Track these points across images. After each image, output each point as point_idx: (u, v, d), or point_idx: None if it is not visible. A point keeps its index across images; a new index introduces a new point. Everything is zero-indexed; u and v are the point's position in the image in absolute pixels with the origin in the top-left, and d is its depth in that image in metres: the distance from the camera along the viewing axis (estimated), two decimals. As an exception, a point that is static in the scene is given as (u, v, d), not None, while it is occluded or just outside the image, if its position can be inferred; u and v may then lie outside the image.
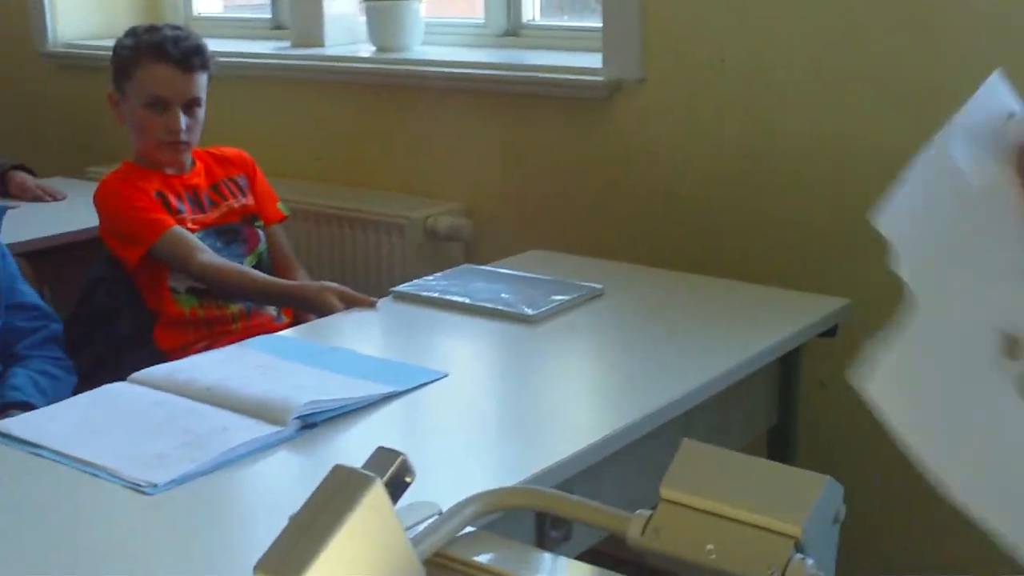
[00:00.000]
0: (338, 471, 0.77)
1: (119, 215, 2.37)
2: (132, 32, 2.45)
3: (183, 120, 2.38)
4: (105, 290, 2.44)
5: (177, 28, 2.47)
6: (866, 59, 2.32)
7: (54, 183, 3.17)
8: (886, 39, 2.30)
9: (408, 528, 0.86)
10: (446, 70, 2.94)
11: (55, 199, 3.08)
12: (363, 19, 3.23)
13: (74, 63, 3.68)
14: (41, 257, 2.64)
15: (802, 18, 2.39)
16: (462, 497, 0.98)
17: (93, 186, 2.48)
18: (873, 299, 2.38)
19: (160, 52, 2.36)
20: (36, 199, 3.06)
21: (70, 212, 2.94)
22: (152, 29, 2.44)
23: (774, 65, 2.44)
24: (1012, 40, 2.16)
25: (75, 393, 1.88)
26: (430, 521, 0.96)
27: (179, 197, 2.41)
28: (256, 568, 0.71)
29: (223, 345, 1.99)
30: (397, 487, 0.82)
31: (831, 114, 2.38)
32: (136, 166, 2.43)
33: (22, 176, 3.11)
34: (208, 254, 2.33)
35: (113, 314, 2.42)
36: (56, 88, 3.79)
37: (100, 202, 2.41)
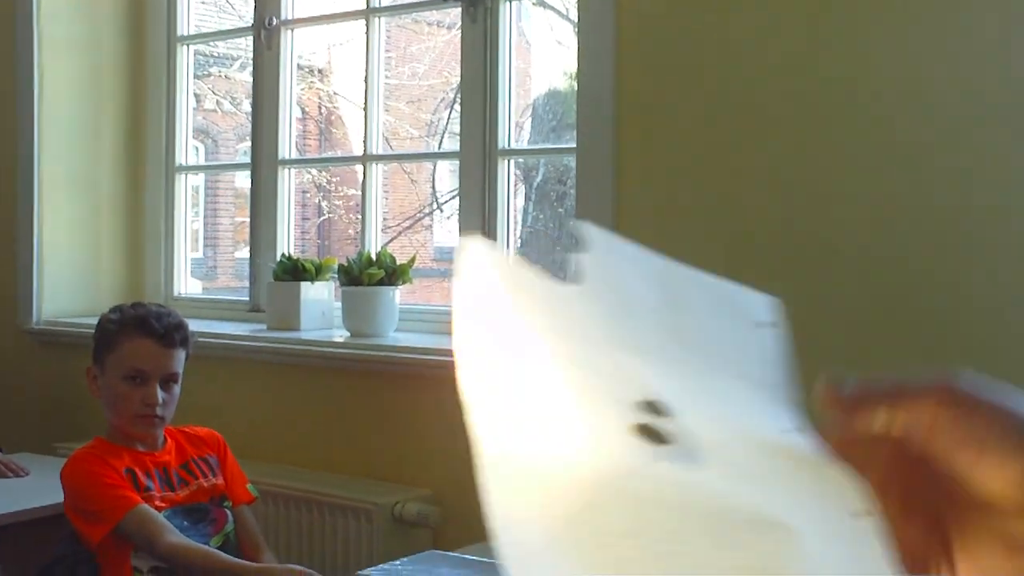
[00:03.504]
0: None
1: (85, 490, 2.36)
2: (117, 308, 2.53)
3: (160, 394, 2.41)
4: (63, 569, 2.39)
5: (160, 306, 2.56)
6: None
7: (20, 458, 3.15)
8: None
9: None
10: (419, 356, 3.01)
11: (17, 475, 3.05)
12: (339, 304, 3.32)
13: (54, 340, 3.74)
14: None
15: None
16: None
17: (59, 462, 2.49)
18: None
19: (144, 326, 2.43)
20: (-2, 475, 3.04)
21: (33, 488, 2.91)
22: (137, 305, 2.54)
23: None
24: None
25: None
26: None
27: (148, 474, 2.41)
28: None
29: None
30: None
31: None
32: (107, 442, 2.44)
33: (-14, 451, 3.10)
34: (175, 535, 2.31)
35: (70, 594, 2.36)
36: (34, 364, 3.84)
37: (67, 477, 2.40)
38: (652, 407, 0.63)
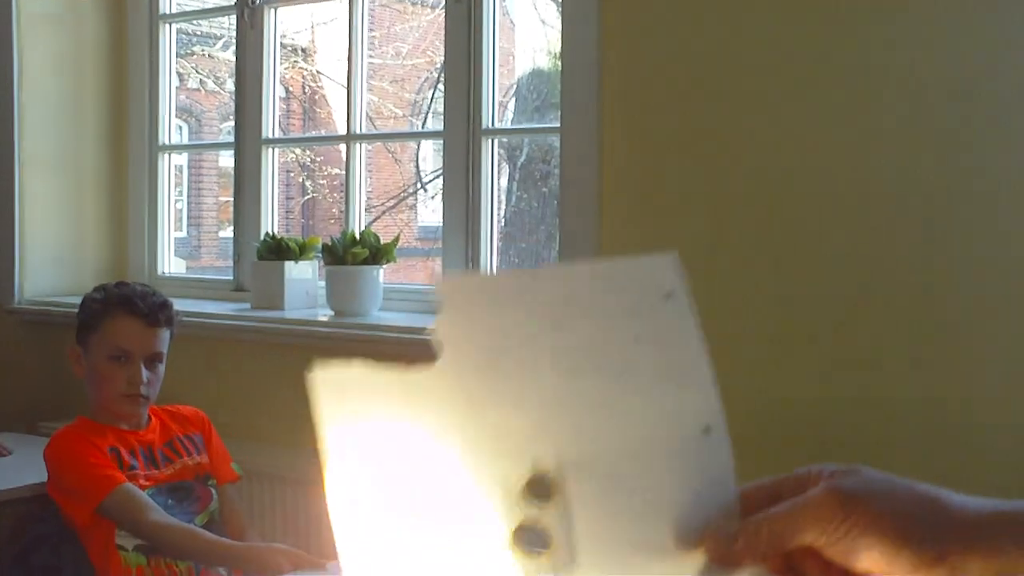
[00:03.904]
0: None
1: (69, 470, 2.36)
2: (101, 287, 2.53)
3: (144, 374, 2.42)
4: (48, 549, 2.39)
5: (145, 286, 2.56)
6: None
7: (3, 437, 3.15)
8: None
9: None
10: (403, 336, 3.01)
11: (0, 455, 3.05)
12: (323, 284, 3.32)
13: (37, 319, 3.73)
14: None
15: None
16: None
17: (42, 441, 2.49)
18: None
19: (128, 305, 2.43)
20: (-18, 454, 3.03)
21: (15, 468, 2.91)
22: (121, 284, 2.53)
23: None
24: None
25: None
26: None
27: (133, 453, 2.41)
28: None
29: (168, 606, 1.95)
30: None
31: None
32: (91, 421, 2.44)
33: (-31, 431, 3.10)
34: (158, 513, 2.31)
35: (54, 573, 2.37)
36: (17, 344, 3.82)
37: (50, 456, 2.40)
38: (535, 484, 0.61)
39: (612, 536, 0.62)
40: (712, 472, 0.64)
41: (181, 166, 8.29)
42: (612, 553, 0.61)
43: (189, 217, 9.04)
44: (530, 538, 0.61)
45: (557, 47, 2.90)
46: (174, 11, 3.90)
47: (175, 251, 4.07)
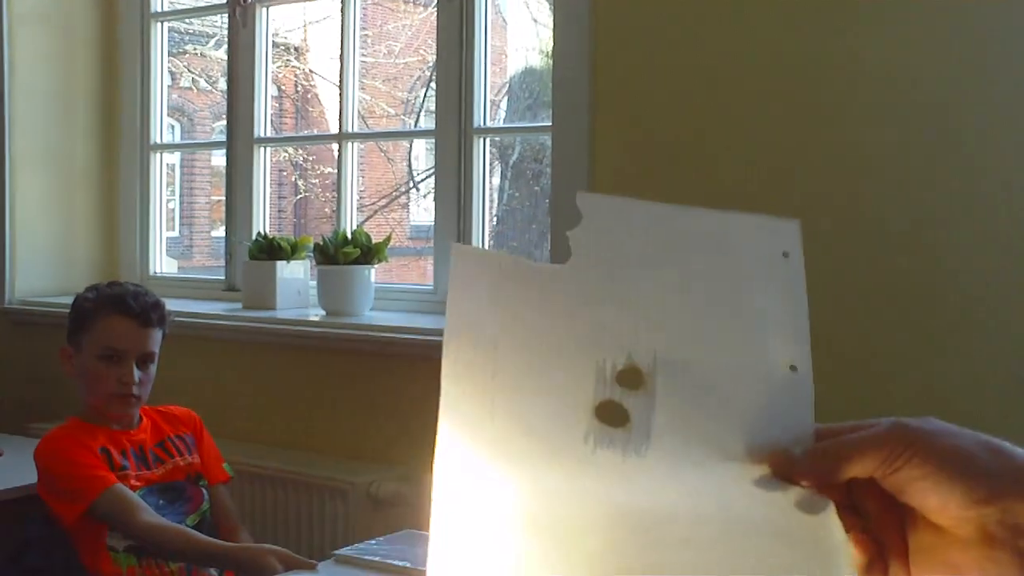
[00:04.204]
0: None
1: (60, 470, 2.36)
2: (93, 287, 2.52)
3: (136, 374, 2.41)
4: (38, 550, 2.39)
5: (137, 286, 2.55)
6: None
7: (-6, 438, 3.14)
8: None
9: None
10: (394, 335, 3.01)
11: (-8, 455, 3.04)
12: (315, 283, 3.31)
13: (28, 319, 3.72)
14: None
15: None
16: None
17: (32, 442, 2.48)
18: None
19: (121, 305, 2.42)
20: (-28, 455, 3.02)
21: (5, 468, 2.90)
22: (114, 284, 2.53)
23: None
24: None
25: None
26: None
27: (124, 453, 2.40)
28: None
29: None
30: None
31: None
32: (82, 421, 2.43)
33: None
34: (149, 514, 2.30)
35: (45, 574, 2.36)
36: (7, 344, 3.81)
37: (41, 456, 2.39)
38: (628, 374, 0.66)
39: (688, 431, 0.66)
40: (791, 404, 0.68)
41: (173, 165, 8.28)
42: (685, 446, 0.65)
43: (181, 216, 9.02)
44: (612, 415, 0.66)
45: (549, 46, 2.89)
46: (166, 9, 3.89)
47: (167, 251, 4.06)
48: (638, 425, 0.65)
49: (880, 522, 0.66)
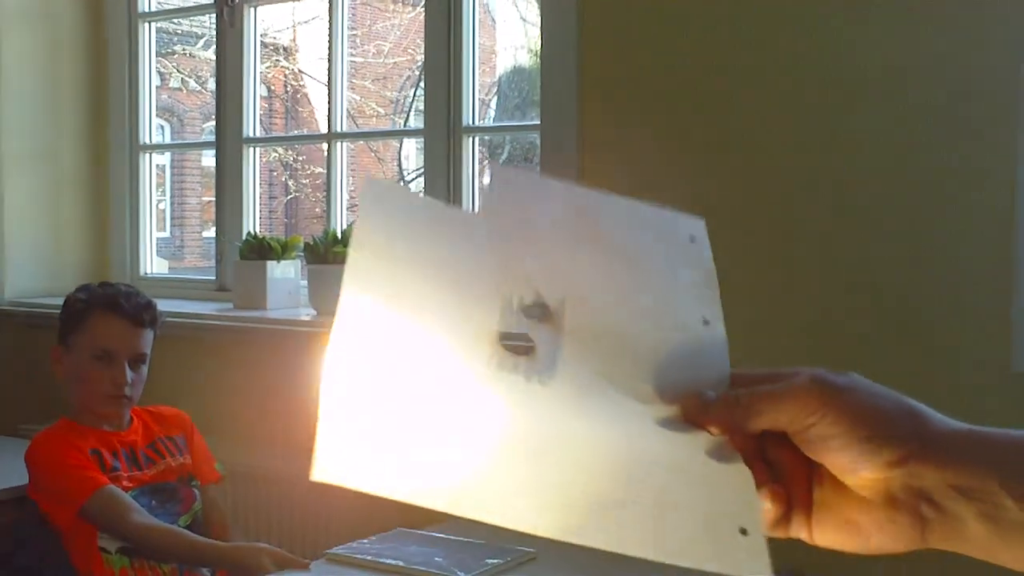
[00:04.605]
0: None
1: (51, 473, 2.35)
2: (85, 287, 2.52)
3: (128, 374, 2.41)
4: (30, 552, 2.38)
5: (129, 286, 2.55)
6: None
7: (-16, 440, 3.14)
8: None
9: None
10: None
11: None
12: (305, 283, 3.31)
13: (17, 320, 3.71)
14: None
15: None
16: None
17: (22, 443, 2.47)
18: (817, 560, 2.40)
19: (113, 305, 2.42)
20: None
21: (-3, 470, 2.89)
22: (105, 284, 2.53)
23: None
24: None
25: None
26: None
27: (115, 454, 2.40)
28: None
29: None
30: None
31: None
32: (72, 423, 2.43)
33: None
34: (141, 515, 2.30)
35: (36, 576, 2.36)
36: (1, 344, 3.80)
37: (32, 459, 2.39)
38: (536, 309, 0.66)
39: (596, 367, 0.65)
40: (705, 351, 0.68)
41: (164, 166, 8.28)
42: (591, 381, 0.64)
43: (172, 217, 9.02)
44: (517, 344, 0.65)
45: (538, 45, 2.90)
46: (153, 9, 3.89)
47: (158, 251, 4.06)
48: (543, 356, 0.64)
49: (790, 475, 0.65)
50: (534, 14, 3.45)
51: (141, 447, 2.46)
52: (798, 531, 0.66)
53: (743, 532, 0.61)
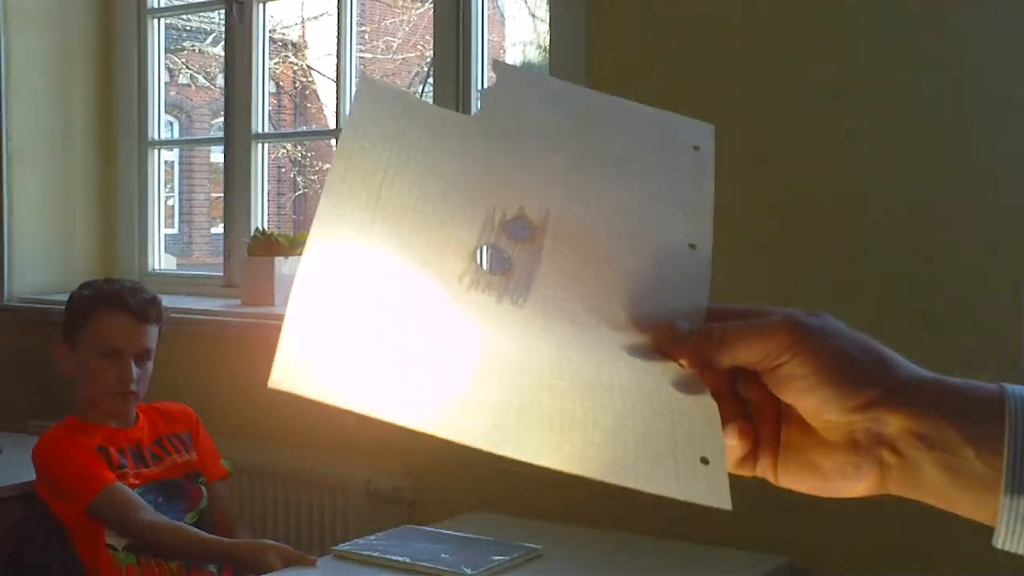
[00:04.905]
0: None
1: (57, 470, 2.35)
2: (89, 284, 2.52)
3: (134, 370, 2.40)
4: (36, 549, 2.38)
5: (133, 282, 2.55)
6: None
7: (-7, 436, 3.14)
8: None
9: None
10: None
11: (-8, 452, 3.04)
12: (314, 280, 3.30)
13: (26, 317, 3.72)
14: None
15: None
16: None
17: (32, 440, 2.47)
18: (815, 553, 2.39)
19: (118, 302, 2.41)
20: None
21: (4, 467, 2.89)
22: (110, 281, 2.53)
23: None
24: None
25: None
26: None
27: (122, 452, 2.40)
28: None
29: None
30: None
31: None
32: (79, 420, 2.43)
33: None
34: (148, 512, 2.30)
35: (43, 573, 2.36)
36: (6, 341, 3.81)
37: (38, 456, 2.39)
38: (517, 224, 0.65)
39: (572, 291, 0.64)
40: (687, 281, 0.66)
41: (172, 162, 8.29)
42: (566, 305, 0.63)
43: (181, 213, 9.03)
44: (493, 261, 0.64)
45: (547, 41, 2.89)
46: (162, 5, 3.89)
47: (167, 247, 4.06)
48: (519, 276, 0.63)
49: (759, 415, 0.65)
50: (543, 10, 3.44)
51: (147, 444, 2.46)
52: (764, 471, 0.66)
53: (704, 462, 0.60)
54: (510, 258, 0.64)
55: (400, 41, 7.34)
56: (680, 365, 0.63)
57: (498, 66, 0.71)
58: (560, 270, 0.64)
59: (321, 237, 0.61)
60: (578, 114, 0.71)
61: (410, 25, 7.24)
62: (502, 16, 5.41)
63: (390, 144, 0.64)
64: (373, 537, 2.26)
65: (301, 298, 0.59)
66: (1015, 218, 2.21)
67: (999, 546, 0.58)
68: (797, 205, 2.43)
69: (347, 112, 3.43)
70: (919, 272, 2.30)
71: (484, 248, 0.64)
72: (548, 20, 2.84)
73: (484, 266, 0.63)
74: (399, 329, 0.60)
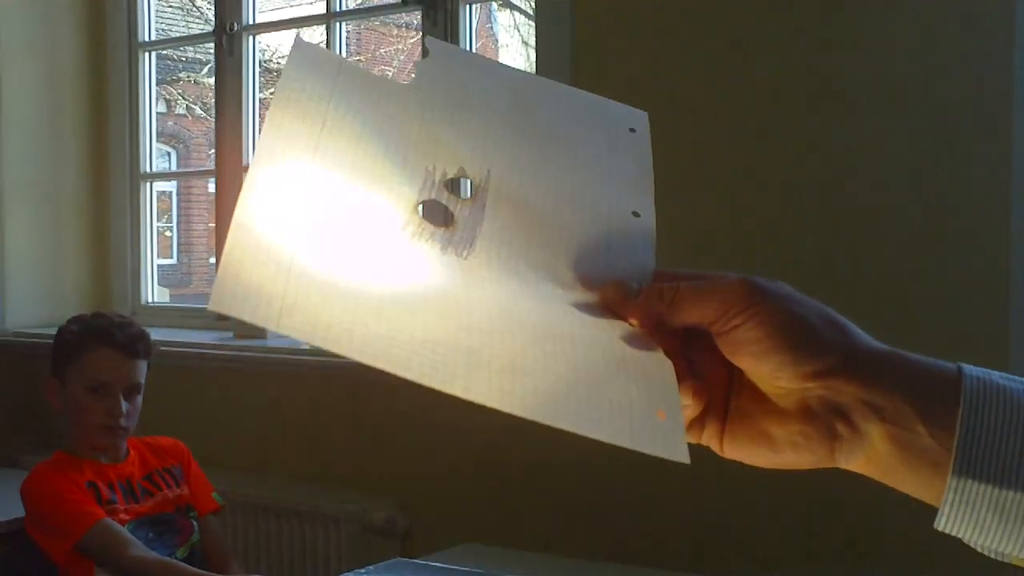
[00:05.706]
0: None
1: (47, 506, 2.33)
2: (77, 319, 2.50)
3: (123, 405, 2.39)
4: (28, 585, 2.37)
5: (122, 316, 2.53)
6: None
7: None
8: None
9: None
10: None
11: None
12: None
13: (18, 351, 3.70)
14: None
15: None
16: None
17: (22, 475, 2.45)
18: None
19: (106, 337, 2.40)
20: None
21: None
22: (98, 315, 2.51)
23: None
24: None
25: None
26: None
27: (112, 487, 2.38)
28: None
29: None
30: None
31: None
32: (68, 455, 2.41)
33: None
34: (138, 548, 2.28)
35: (33, 610, 2.34)
36: (1, 375, 3.79)
37: (27, 493, 2.37)
38: (457, 184, 0.64)
39: (516, 248, 0.63)
40: (632, 245, 0.66)
41: (170, 193, 8.30)
42: (509, 260, 0.62)
43: (179, 244, 9.03)
44: (436, 216, 0.62)
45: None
46: (155, 37, 3.89)
47: (165, 278, 4.06)
48: (463, 231, 0.62)
49: (709, 379, 0.63)
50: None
51: (138, 479, 2.44)
52: (709, 439, 0.64)
53: (660, 415, 0.58)
54: (453, 214, 0.63)
55: (395, 70, 7.35)
56: (630, 324, 0.62)
57: (433, 43, 0.71)
58: (504, 228, 0.63)
59: (259, 172, 0.59)
60: (515, 88, 0.70)
61: (405, 54, 7.26)
62: (496, 43, 5.43)
63: (327, 100, 0.63)
64: (364, 570, 2.23)
65: (241, 226, 0.58)
66: (1002, 225, 2.20)
67: (940, 528, 0.57)
68: (787, 214, 2.42)
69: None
70: (906, 279, 2.29)
71: (426, 203, 0.63)
72: (535, 47, 2.85)
73: (426, 218, 0.62)
74: (342, 263, 0.59)
